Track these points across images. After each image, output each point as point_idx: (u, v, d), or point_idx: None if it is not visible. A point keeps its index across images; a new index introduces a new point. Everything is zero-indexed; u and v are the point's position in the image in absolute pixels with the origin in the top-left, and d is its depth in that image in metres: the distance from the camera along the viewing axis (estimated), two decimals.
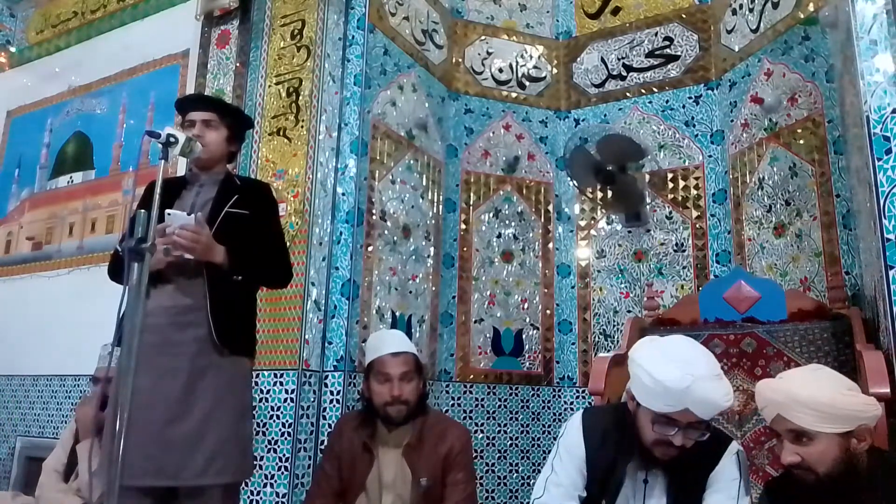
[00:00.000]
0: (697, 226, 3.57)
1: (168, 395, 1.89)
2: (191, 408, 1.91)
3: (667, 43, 3.85)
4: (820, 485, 1.47)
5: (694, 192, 3.62)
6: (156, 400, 1.85)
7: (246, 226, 2.10)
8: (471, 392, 3.54)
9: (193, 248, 1.92)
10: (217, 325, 1.97)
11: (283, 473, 2.71)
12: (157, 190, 1.73)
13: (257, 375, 2.81)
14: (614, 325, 3.64)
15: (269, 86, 3.24)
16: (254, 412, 2.69)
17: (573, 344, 3.73)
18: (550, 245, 3.88)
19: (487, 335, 3.69)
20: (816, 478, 1.47)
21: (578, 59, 4.08)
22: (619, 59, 3.97)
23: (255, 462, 2.70)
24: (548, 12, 4.21)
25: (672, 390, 1.53)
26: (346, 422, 2.31)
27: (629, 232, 3.73)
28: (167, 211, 1.90)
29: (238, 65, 3.45)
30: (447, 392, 3.49)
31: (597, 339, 3.69)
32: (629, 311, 3.60)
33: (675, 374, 1.53)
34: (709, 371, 1.56)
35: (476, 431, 3.45)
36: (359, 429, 2.21)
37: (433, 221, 3.61)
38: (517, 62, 4.08)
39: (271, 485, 2.71)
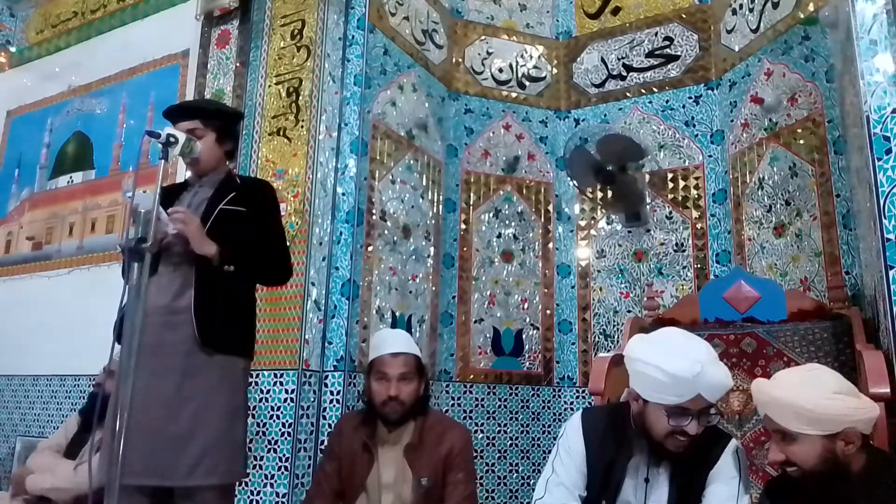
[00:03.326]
0: (697, 226, 3.57)
1: (160, 396, 1.89)
2: (181, 408, 1.91)
3: (667, 43, 3.85)
4: (807, 479, 1.49)
5: (694, 192, 3.62)
6: (149, 400, 1.84)
7: (242, 223, 2.10)
8: (471, 392, 3.54)
9: (185, 226, 1.93)
10: (201, 326, 1.96)
11: (283, 473, 2.71)
12: (157, 189, 1.73)
13: (257, 375, 2.81)
14: (614, 325, 3.64)
15: (269, 86, 3.24)
16: (251, 412, 2.69)
17: (573, 344, 3.73)
18: (550, 245, 3.88)
19: (487, 335, 3.69)
20: (804, 473, 1.49)
21: (578, 59, 4.08)
22: (619, 59, 3.97)
23: (255, 462, 2.71)
24: (548, 12, 4.21)
25: (685, 380, 1.55)
26: (347, 421, 2.30)
27: (629, 232, 3.73)
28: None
29: (238, 65, 3.45)
30: (447, 392, 3.49)
31: (597, 339, 3.69)
32: (629, 311, 3.60)
33: (685, 363, 1.56)
34: (710, 355, 1.61)
35: (476, 431, 3.45)
36: (359, 428, 2.21)
37: (433, 221, 3.61)
38: (517, 62, 4.08)
39: (271, 485, 2.71)
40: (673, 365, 1.56)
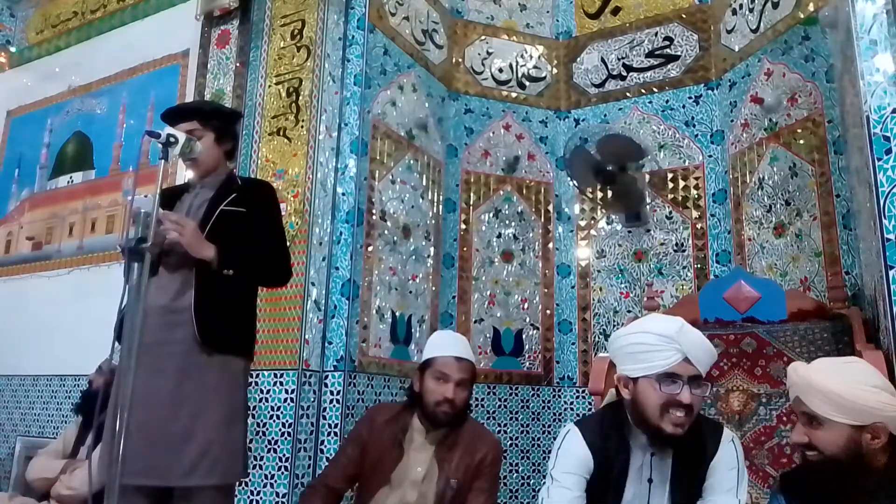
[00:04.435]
0: (697, 226, 3.57)
1: (158, 396, 1.89)
2: (179, 408, 1.91)
3: (667, 43, 3.85)
4: (827, 465, 1.49)
5: (694, 192, 3.62)
6: (148, 400, 1.84)
7: (242, 224, 2.10)
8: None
9: (181, 233, 1.92)
10: (201, 325, 1.96)
11: (283, 473, 2.71)
12: (157, 190, 1.73)
13: (257, 375, 2.81)
14: (614, 325, 3.64)
15: (269, 86, 3.24)
16: (251, 412, 2.70)
17: (573, 344, 3.73)
18: (550, 245, 3.88)
19: (487, 335, 3.69)
20: (824, 458, 1.49)
21: (578, 59, 4.09)
22: (619, 59, 3.97)
23: (255, 462, 2.71)
24: (548, 12, 4.21)
25: (667, 336, 1.60)
26: (378, 412, 2.28)
27: (629, 232, 3.73)
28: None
29: (238, 65, 3.45)
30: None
31: (597, 339, 3.68)
32: (629, 311, 3.60)
33: (666, 321, 1.66)
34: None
35: None
36: (392, 422, 2.19)
37: (433, 221, 3.61)
38: (517, 62, 4.08)
39: (271, 485, 2.71)
40: (656, 324, 1.66)
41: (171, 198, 2.15)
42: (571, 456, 1.73)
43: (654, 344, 1.62)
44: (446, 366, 2.15)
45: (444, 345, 2.24)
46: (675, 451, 1.68)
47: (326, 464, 2.46)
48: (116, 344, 1.89)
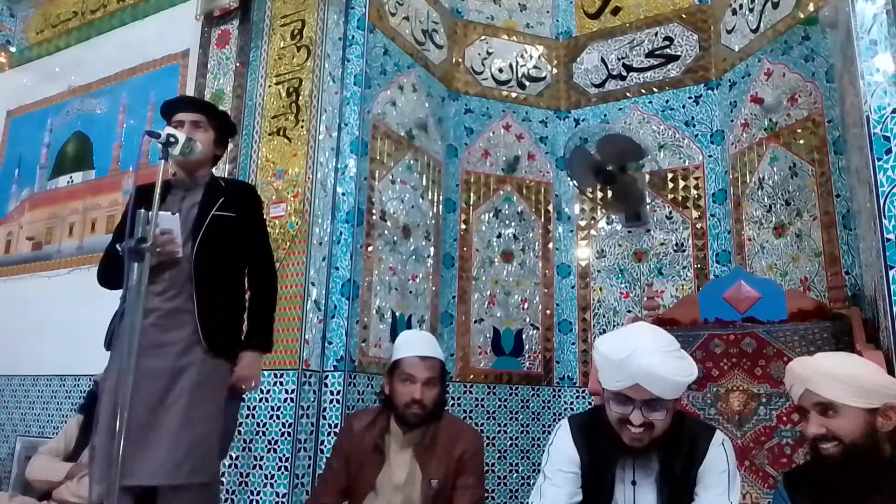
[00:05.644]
0: (697, 226, 3.57)
1: (149, 396, 1.91)
2: (170, 408, 1.93)
3: (667, 43, 3.85)
4: (845, 455, 1.49)
5: (694, 192, 3.62)
6: (138, 400, 1.84)
7: (232, 227, 2.13)
8: (471, 392, 3.54)
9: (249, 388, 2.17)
10: (205, 329, 1.99)
11: (283, 473, 2.71)
12: (157, 191, 1.74)
13: None
14: (614, 325, 3.64)
15: (269, 86, 3.24)
16: (251, 413, 2.71)
17: (573, 344, 3.73)
18: (550, 245, 3.88)
19: (487, 335, 3.69)
20: (843, 448, 1.49)
21: (578, 59, 4.09)
22: (619, 59, 3.97)
23: (255, 462, 2.73)
24: (548, 12, 4.21)
25: (613, 361, 1.56)
26: (357, 419, 2.27)
27: (629, 232, 3.73)
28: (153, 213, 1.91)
29: (238, 65, 3.45)
30: (447, 392, 3.48)
31: (597, 339, 3.67)
32: (629, 311, 3.60)
33: (616, 346, 1.59)
34: (656, 346, 1.57)
35: None
36: (370, 427, 2.19)
37: (433, 221, 3.61)
38: (517, 62, 4.08)
39: (271, 485, 2.71)
40: (606, 347, 1.61)
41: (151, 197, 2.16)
42: (560, 453, 1.74)
43: (606, 367, 1.61)
44: (412, 366, 2.14)
45: (409, 345, 2.22)
46: (660, 455, 1.66)
47: (316, 483, 2.45)
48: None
